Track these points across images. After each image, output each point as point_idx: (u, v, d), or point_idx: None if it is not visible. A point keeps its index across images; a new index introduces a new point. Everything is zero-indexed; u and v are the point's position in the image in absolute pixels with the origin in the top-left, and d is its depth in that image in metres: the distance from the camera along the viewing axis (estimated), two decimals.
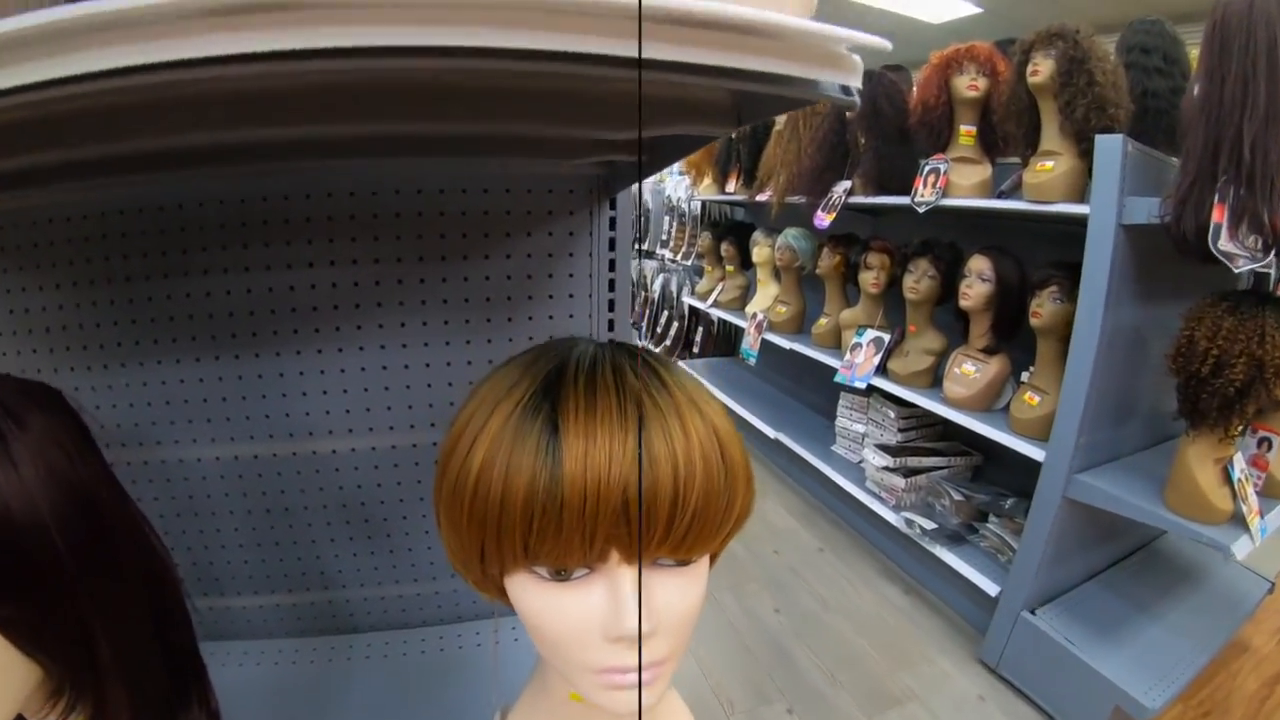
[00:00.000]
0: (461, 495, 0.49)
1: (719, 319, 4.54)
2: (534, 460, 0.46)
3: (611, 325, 1.30)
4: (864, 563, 2.96)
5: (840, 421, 3.29)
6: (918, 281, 2.63)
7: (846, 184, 3.05)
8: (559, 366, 0.51)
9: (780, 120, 3.53)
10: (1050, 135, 2.13)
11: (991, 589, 2.31)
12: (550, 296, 1.25)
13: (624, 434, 0.46)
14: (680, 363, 4.90)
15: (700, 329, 5.01)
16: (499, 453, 0.47)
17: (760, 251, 3.81)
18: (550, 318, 1.27)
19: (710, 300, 4.41)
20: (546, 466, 0.45)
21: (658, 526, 0.47)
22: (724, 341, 4.96)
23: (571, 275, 1.25)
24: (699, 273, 4.83)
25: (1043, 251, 2.32)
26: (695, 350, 5.02)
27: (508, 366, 0.54)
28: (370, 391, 1.26)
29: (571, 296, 1.26)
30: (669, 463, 0.46)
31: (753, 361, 3.82)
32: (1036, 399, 2.22)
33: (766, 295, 3.87)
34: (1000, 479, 2.74)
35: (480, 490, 0.47)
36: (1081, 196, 2.07)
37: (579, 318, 1.27)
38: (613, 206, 1.25)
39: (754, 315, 3.82)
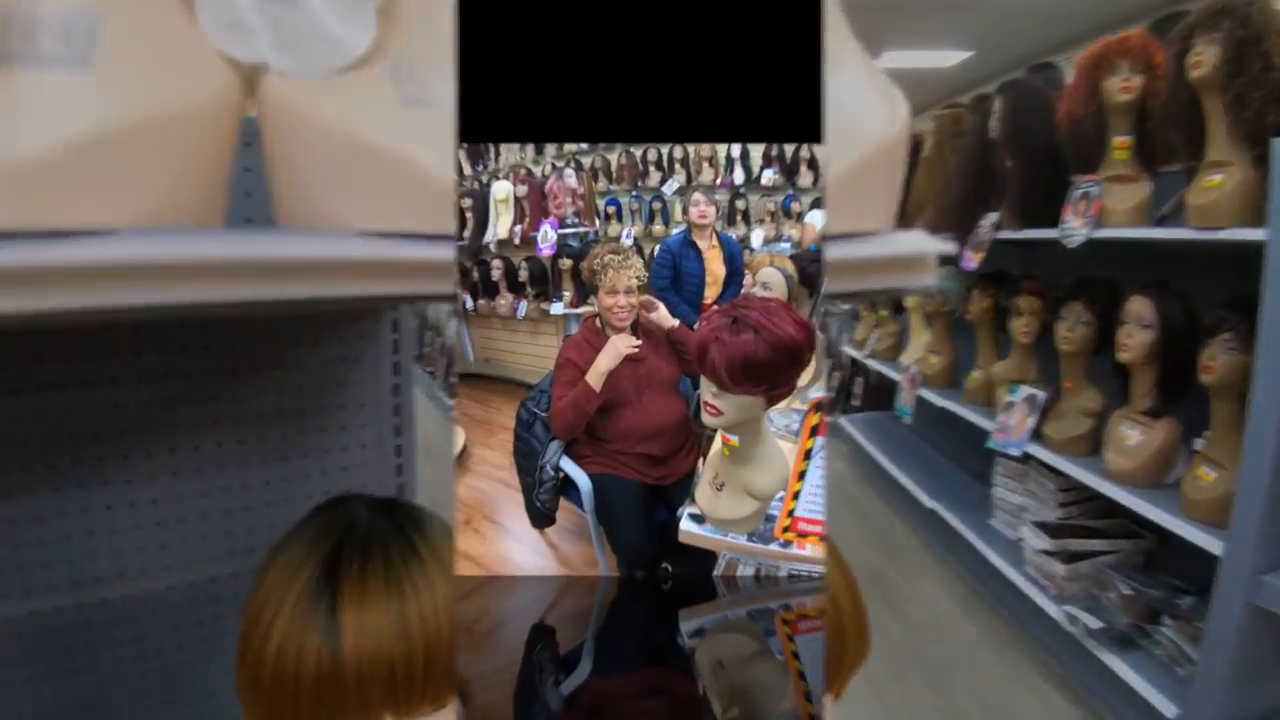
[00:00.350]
0: (260, 677, 0.56)
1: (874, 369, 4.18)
2: (318, 644, 0.54)
3: (399, 430, 1.27)
4: (1026, 661, 2.49)
5: (997, 491, 2.83)
6: (1071, 330, 2.22)
7: (994, 217, 2.67)
8: (335, 548, 0.58)
9: (927, 147, 3.25)
10: (1217, 141, 1.71)
11: (1168, 709, 1.83)
12: (342, 406, 1.19)
13: (388, 612, 0.55)
14: (843, 418, 4.53)
15: (860, 379, 4.62)
16: (291, 636, 0.54)
17: (910, 294, 3.44)
18: (344, 429, 1.20)
19: (866, 349, 4.07)
20: (328, 648, 0.53)
21: (415, 684, 0.55)
22: (883, 392, 4.52)
23: (360, 384, 1.20)
24: (856, 316, 4.48)
25: (1223, 284, 1.84)
26: (856, 403, 4.62)
27: (294, 545, 0.61)
28: (164, 525, 1.10)
29: (363, 406, 1.21)
30: (420, 632, 0.55)
31: (908, 419, 3.45)
32: (1212, 474, 1.74)
33: (919, 344, 3.52)
34: (1177, 568, 2.17)
35: (276, 672, 0.54)
36: (1259, 217, 1.62)
37: (371, 428, 1.23)
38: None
39: (907, 368, 3.46)
